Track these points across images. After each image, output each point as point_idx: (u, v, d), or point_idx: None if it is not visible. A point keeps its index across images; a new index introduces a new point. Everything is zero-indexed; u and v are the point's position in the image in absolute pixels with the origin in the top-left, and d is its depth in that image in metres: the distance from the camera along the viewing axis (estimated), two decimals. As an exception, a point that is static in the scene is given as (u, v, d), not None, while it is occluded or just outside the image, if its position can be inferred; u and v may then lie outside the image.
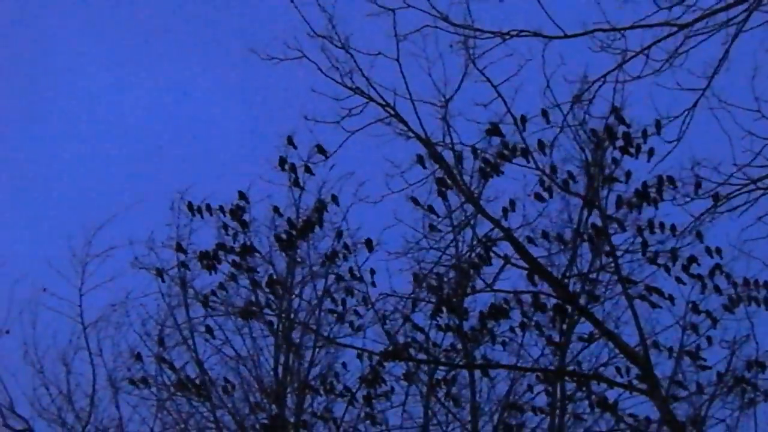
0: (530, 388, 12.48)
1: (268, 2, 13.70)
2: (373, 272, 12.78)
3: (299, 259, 13.08)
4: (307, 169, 12.99)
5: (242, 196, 13.17)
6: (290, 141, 12.89)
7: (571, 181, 11.98)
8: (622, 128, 11.86)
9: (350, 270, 12.93)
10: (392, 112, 11.80)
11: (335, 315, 12.95)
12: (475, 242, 12.18)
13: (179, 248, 13.15)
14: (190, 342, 12.96)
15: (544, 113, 11.70)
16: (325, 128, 11.98)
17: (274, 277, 13.00)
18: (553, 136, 11.62)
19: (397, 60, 11.64)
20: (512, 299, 12.32)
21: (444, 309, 12.41)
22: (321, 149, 12.70)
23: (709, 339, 12.07)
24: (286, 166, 13.02)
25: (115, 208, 13.09)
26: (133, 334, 13.05)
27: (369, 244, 12.85)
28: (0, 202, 15.68)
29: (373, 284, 12.74)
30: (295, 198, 13.07)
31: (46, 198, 15.97)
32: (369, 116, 11.82)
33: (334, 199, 12.99)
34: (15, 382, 13.13)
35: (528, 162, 11.97)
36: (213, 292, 13.08)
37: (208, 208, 13.21)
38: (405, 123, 11.83)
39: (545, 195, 12.09)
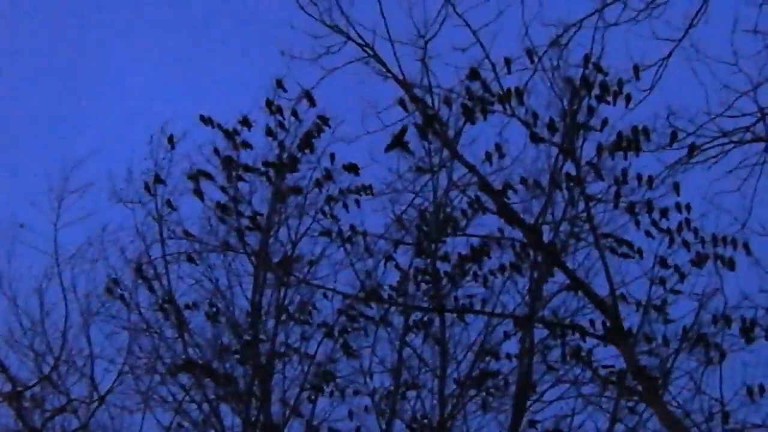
0: (506, 335, 12.51)
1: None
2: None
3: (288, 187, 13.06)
4: (294, 114, 12.97)
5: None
6: (279, 84, 12.82)
7: (553, 129, 11.92)
8: (599, 77, 11.81)
9: (341, 189, 12.88)
10: (371, 53, 11.81)
11: (326, 234, 12.94)
12: (450, 186, 12.26)
13: (157, 181, 13.12)
14: (165, 278, 12.92)
15: (529, 53, 11.62)
16: (303, 65, 12.00)
17: (258, 213, 13.01)
18: (528, 81, 11.59)
19: (378, -1, 11.63)
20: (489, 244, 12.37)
21: (422, 249, 12.47)
22: (309, 97, 12.70)
23: (675, 292, 12.04)
24: (274, 108, 12.97)
25: (94, 144, 13.17)
26: (108, 269, 13.10)
27: (353, 168, 12.80)
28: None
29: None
30: (280, 140, 13.03)
31: (24, 133, 15.98)
32: (348, 55, 11.85)
33: (324, 120, 12.90)
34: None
35: (505, 109, 11.95)
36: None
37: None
38: (383, 64, 11.83)
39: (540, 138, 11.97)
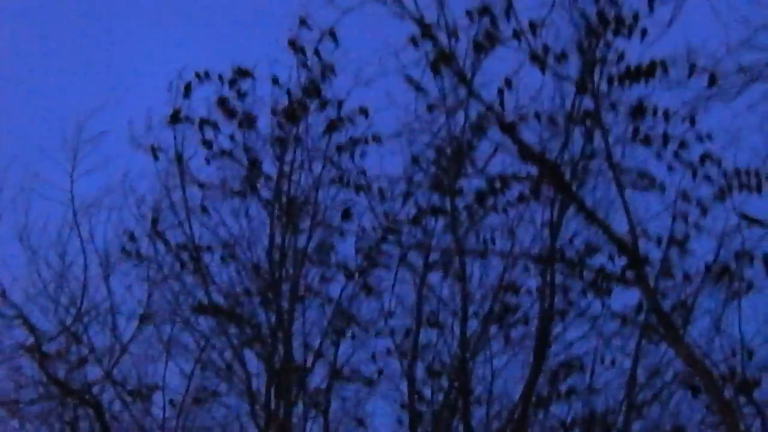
0: (526, 269, 12.47)
1: None
2: (375, 137, 12.70)
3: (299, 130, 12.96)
4: (317, 53, 12.82)
5: (243, 71, 13.00)
6: (303, 22, 12.64)
7: (563, 60, 11.77)
8: (615, 10, 11.64)
9: (351, 137, 12.84)
10: (386, -9, 11.67)
11: (337, 181, 12.90)
12: (467, 125, 12.16)
13: (174, 118, 12.93)
14: (185, 225, 12.93)
15: None
16: (319, 6, 11.84)
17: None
18: (545, 16, 11.44)
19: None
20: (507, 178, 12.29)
21: (439, 186, 12.41)
22: (333, 35, 12.55)
23: (697, 227, 11.97)
24: (297, 48, 12.78)
25: (110, 92, 13.02)
26: (127, 217, 13.02)
27: (363, 111, 12.75)
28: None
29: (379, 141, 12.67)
30: (302, 80, 12.91)
31: (39, 82, 15.82)
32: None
33: (330, 67, 12.80)
34: (7, 270, 13.06)
35: (520, 43, 11.81)
36: (209, 160, 13.00)
37: (206, 74, 12.96)
38: (399, 2, 11.66)
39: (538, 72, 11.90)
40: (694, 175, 11.91)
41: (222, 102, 12.96)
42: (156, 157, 13.05)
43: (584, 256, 12.25)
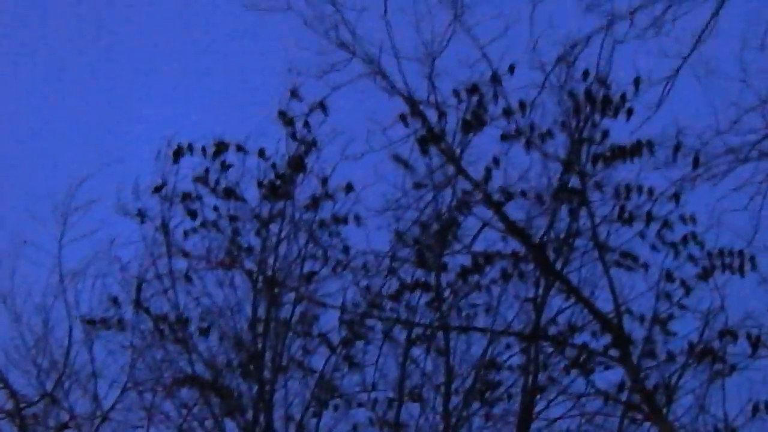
0: (506, 346, 12.56)
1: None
2: (357, 217, 12.80)
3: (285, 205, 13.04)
4: (306, 125, 12.94)
5: (226, 144, 13.11)
6: (294, 94, 12.77)
7: (549, 137, 11.95)
8: (602, 91, 11.85)
9: (333, 215, 12.94)
10: (376, 69, 11.81)
11: (318, 259, 12.96)
12: (454, 202, 12.27)
13: (158, 189, 13.06)
14: (170, 292, 12.97)
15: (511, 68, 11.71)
16: (309, 82, 12.00)
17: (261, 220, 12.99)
18: (535, 96, 11.64)
19: (384, 14, 11.63)
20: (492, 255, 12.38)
21: (423, 263, 12.48)
22: (323, 107, 12.66)
23: (681, 306, 12.07)
24: (287, 119, 12.91)
25: (101, 159, 13.10)
26: (112, 284, 13.02)
27: (349, 187, 12.84)
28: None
29: (358, 224, 12.79)
30: (290, 152, 13.02)
31: (30, 149, 15.88)
32: (354, 71, 11.84)
33: (314, 142, 12.91)
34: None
35: (508, 122, 11.98)
36: (194, 230, 13.07)
37: (190, 147, 13.13)
38: (389, 80, 11.83)
39: (524, 151, 12.08)
40: (676, 254, 12.08)
41: (200, 178, 13.09)
42: (143, 221, 13.11)
43: (568, 334, 12.36)
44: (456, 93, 12.06)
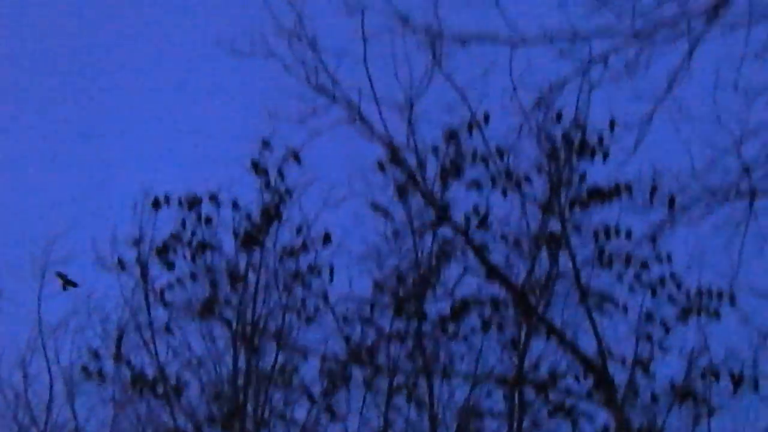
0: (489, 393, 12.55)
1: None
2: (331, 270, 12.82)
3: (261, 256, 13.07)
4: (280, 174, 13.01)
5: (200, 198, 13.18)
6: (266, 144, 12.86)
7: (527, 182, 12.05)
8: (579, 134, 11.96)
9: (309, 266, 12.96)
10: (357, 114, 11.89)
11: (294, 311, 12.94)
12: (434, 247, 12.31)
13: (136, 242, 13.07)
14: (151, 344, 12.95)
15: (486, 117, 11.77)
16: (290, 127, 12.06)
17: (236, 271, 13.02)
18: (513, 141, 11.75)
19: (364, 60, 11.73)
20: (471, 302, 12.41)
21: (403, 311, 12.48)
22: (296, 156, 12.74)
23: (662, 347, 12.10)
24: (259, 169, 12.99)
25: (79, 211, 13.11)
26: (92, 338, 12.96)
27: (326, 237, 12.87)
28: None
29: (331, 279, 12.80)
30: (265, 201, 13.05)
31: (8, 204, 15.85)
32: (334, 116, 11.91)
33: (288, 192, 12.96)
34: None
35: (487, 167, 12.05)
36: (170, 285, 13.07)
37: (167, 199, 13.20)
38: (369, 125, 11.91)
39: (502, 197, 12.17)
40: (654, 294, 12.13)
41: (175, 235, 13.14)
42: (122, 268, 13.06)
43: (551, 378, 12.37)
44: (434, 150, 12.13)
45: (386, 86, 11.72)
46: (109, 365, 12.95)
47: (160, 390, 12.84)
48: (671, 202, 11.36)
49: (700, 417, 11.81)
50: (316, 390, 12.86)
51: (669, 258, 12.01)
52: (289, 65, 11.70)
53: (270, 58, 11.70)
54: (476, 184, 12.15)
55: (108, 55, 16.35)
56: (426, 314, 12.56)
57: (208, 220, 13.10)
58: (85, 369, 12.96)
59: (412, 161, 12.03)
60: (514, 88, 11.36)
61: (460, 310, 12.46)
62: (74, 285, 12.98)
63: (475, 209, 12.25)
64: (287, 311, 12.97)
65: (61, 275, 13.02)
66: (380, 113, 11.82)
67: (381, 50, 11.52)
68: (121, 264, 13.03)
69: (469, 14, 11.17)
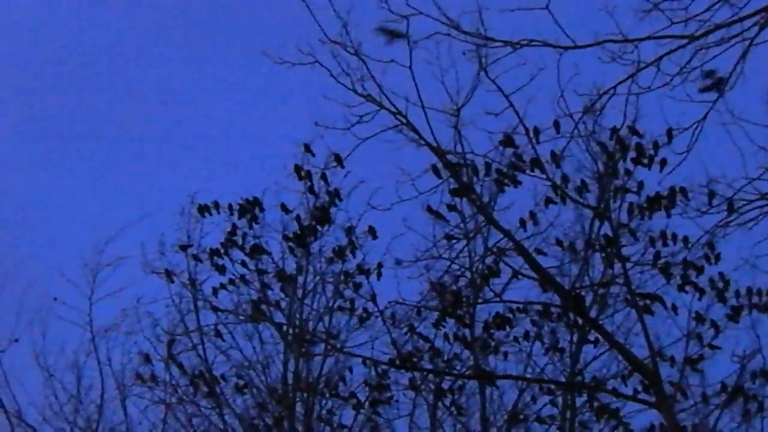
0: (533, 398, 12.51)
1: (282, 6, 13.73)
2: (380, 267, 12.79)
3: (309, 258, 13.06)
4: (323, 178, 13.01)
5: (253, 202, 13.18)
6: (307, 149, 12.88)
7: (584, 190, 11.97)
8: (634, 139, 11.85)
9: (358, 266, 12.94)
10: (403, 120, 11.77)
11: (345, 311, 12.95)
12: (486, 252, 12.23)
13: (184, 248, 13.18)
14: (200, 348, 13.01)
15: (556, 125, 11.66)
16: (336, 134, 11.99)
17: (285, 272, 13.02)
18: (564, 146, 11.62)
19: (410, 67, 11.57)
20: (521, 309, 12.35)
21: (451, 317, 12.42)
22: (338, 159, 12.72)
23: (711, 347, 12.05)
24: (302, 173, 13.03)
25: (128, 216, 13.19)
26: (142, 340, 13.13)
27: (372, 232, 12.87)
28: (12, 213, 15.61)
29: (379, 277, 12.76)
30: (310, 205, 13.09)
31: (58, 207, 15.98)
32: (380, 123, 11.80)
33: (337, 193, 12.98)
34: (24, 390, 13.25)
35: (541, 173, 11.96)
36: (222, 286, 13.10)
37: (216, 206, 13.22)
38: (416, 131, 11.79)
39: (557, 201, 12.06)
40: (701, 295, 12.04)
41: (229, 239, 13.17)
42: (171, 281, 13.19)
43: (599, 381, 12.30)
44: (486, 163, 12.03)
45: (432, 92, 11.63)
46: (159, 368, 13.09)
47: (212, 391, 12.90)
48: (730, 206, 11.26)
49: (751, 416, 11.74)
50: (363, 395, 12.87)
51: (717, 258, 11.94)
52: (336, 73, 11.63)
53: (317, 66, 11.63)
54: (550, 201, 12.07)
55: (159, 62, 16.46)
56: (473, 320, 12.51)
57: (258, 223, 13.14)
58: (138, 375, 13.05)
59: (460, 166, 11.92)
60: (562, 94, 11.23)
61: (503, 320, 12.39)
62: None
63: (531, 215, 12.20)
64: (336, 312, 13.02)
65: None
66: (427, 120, 11.73)
67: (427, 56, 11.41)
68: (169, 274, 13.14)
69: (515, 19, 11.10)
